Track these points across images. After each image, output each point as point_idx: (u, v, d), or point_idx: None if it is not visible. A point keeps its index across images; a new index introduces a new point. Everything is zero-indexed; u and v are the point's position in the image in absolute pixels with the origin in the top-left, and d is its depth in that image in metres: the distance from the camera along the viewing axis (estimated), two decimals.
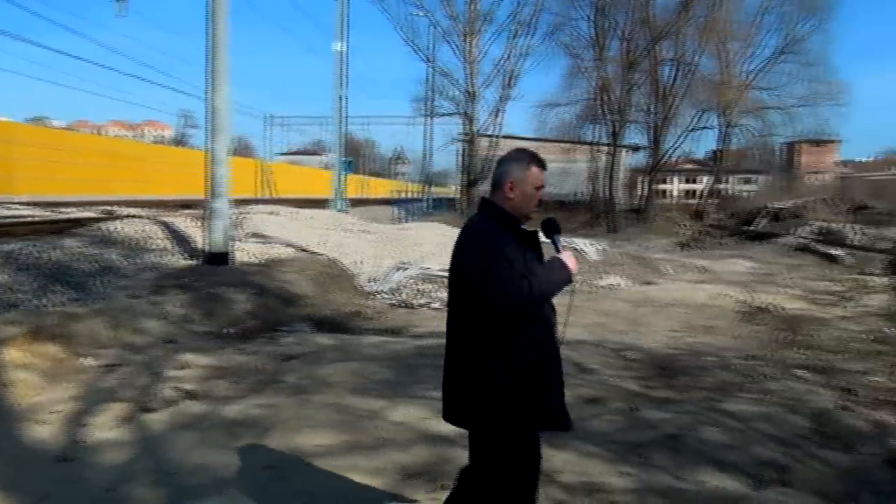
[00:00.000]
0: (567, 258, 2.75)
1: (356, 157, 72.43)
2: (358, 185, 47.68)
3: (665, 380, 6.77)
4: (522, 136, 38.99)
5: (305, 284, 11.20)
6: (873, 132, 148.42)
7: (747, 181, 57.47)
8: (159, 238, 12.57)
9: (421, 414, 5.21)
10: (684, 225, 33.13)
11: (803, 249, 23.18)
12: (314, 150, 78.76)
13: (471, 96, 32.82)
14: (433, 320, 9.84)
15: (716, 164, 42.52)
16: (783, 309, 11.57)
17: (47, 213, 16.82)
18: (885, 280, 16.23)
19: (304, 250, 13.20)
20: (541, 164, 2.79)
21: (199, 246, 12.07)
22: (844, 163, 72.00)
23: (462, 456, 4.41)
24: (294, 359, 7.00)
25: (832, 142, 58.85)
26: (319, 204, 23.85)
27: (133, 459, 4.31)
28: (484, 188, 34.99)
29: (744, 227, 30.32)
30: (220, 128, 11.61)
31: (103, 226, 12.76)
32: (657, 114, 35.16)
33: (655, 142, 35.69)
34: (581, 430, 5.01)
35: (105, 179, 28.27)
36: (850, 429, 5.63)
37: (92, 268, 9.88)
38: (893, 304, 12.50)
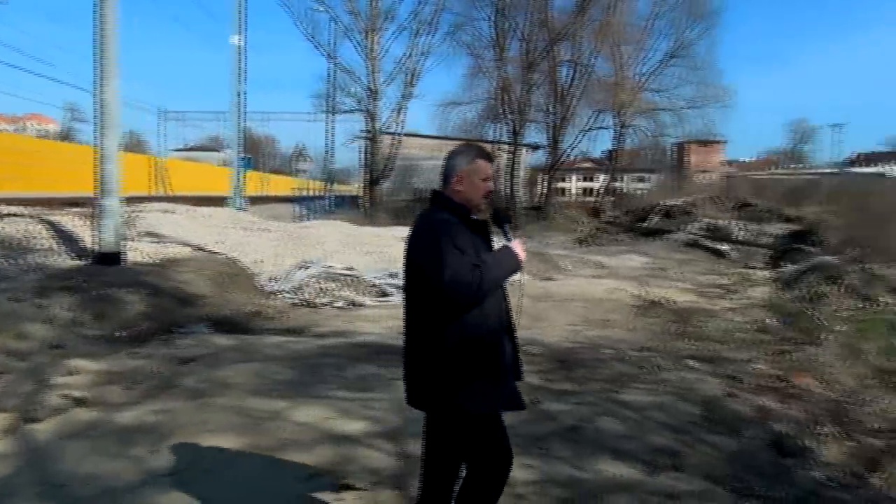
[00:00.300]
0: (516, 246, 2.85)
1: (256, 153, 70.89)
2: (258, 183, 46.57)
3: (565, 373, 6.95)
4: (425, 134, 39.13)
5: (203, 284, 10.87)
6: (756, 133, 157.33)
7: (641, 180, 59.71)
8: (44, 238, 11.91)
9: (324, 414, 5.16)
10: (582, 222, 34.10)
11: (693, 245, 24.28)
12: (212, 146, 76.49)
13: (373, 94, 32.65)
14: (336, 319, 9.76)
15: (611, 163, 43.90)
16: (674, 302, 12.10)
17: None
18: (766, 273, 17.23)
19: (201, 249, 12.80)
20: (487, 156, 2.95)
21: (89, 246, 11.52)
22: (729, 162, 75.74)
23: (365, 455, 4.42)
24: (192, 361, 6.78)
25: (718, 142, 61.87)
26: (217, 202, 23.17)
27: (16, 472, 4.07)
28: (387, 186, 34.98)
29: (638, 224, 31.47)
30: (110, 122, 11.11)
31: None
32: (556, 114, 36.01)
33: (554, 141, 36.53)
34: None
35: None
36: (735, 414, 5.95)
37: None
38: (774, 296, 13.28)
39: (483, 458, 2.85)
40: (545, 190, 38.36)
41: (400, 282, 12.35)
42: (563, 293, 13.04)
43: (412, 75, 32.78)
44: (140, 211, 15.65)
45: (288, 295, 11.24)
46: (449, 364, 2.69)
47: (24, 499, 3.73)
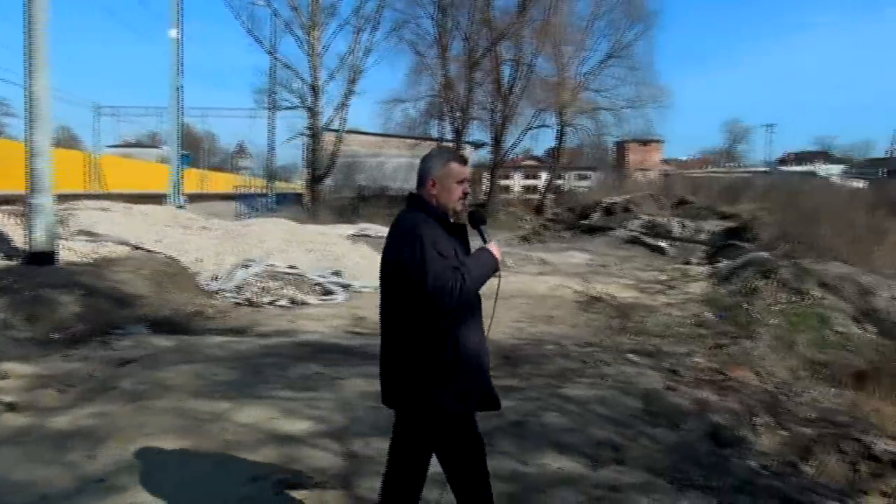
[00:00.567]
0: (493, 247, 2.90)
1: (195, 150, 69.38)
2: (197, 180, 45.63)
3: (510, 369, 7.01)
4: (368, 131, 38.93)
5: (141, 284, 10.59)
6: (693, 133, 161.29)
7: (583, 178, 60.62)
8: None
9: (268, 414, 5.09)
10: (526, 220, 34.46)
11: (633, 241, 24.79)
12: (150, 142, 74.67)
13: (315, 91, 32.27)
14: (279, 318, 9.64)
15: (554, 161, 44.38)
16: (616, 298, 12.32)
17: None
18: (703, 269, 17.68)
19: (138, 248, 12.47)
20: (460, 159, 2.96)
21: (20, 245, 11.11)
22: (668, 161, 77.42)
23: (310, 455, 4.37)
24: (130, 363, 6.60)
25: (657, 141, 63.27)
26: (156, 199, 22.62)
27: None
28: (330, 183, 34.67)
29: (580, 222, 31.99)
30: (41, 117, 10.71)
31: None
32: (498, 112, 36.22)
33: (497, 139, 36.75)
34: None
35: None
36: (675, 407, 6.10)
37: None
38: (711, 291, 13.64)
39: (459, 456, 2.88)
40: (488, 188, 38.59)
41: (344, 280, 12.32)
42: (507, 290, 13.10)
43: (355, 72, 32.55)
44: (74, 209, 15.14)
45: (229, 294, 11.05)
46: (427, 364, 2.73)
47: None
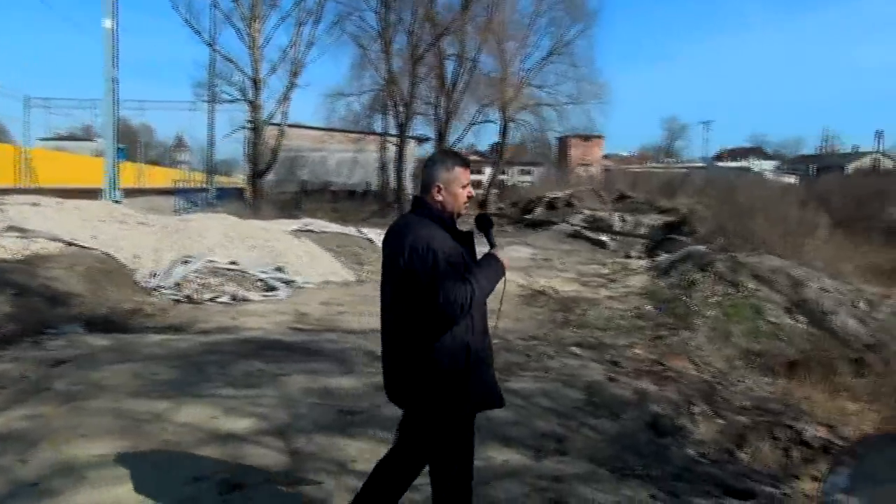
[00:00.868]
0: (500, 253, 2.92)
1: (132, 143, 67.54)
2: (134, 174, 44.34)
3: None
4: (312, 125, 38.54)
5: (76, 282, 10.27)
6: (633, 129, 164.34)
7: (526, 173, 61.21)
8: None
9: (209, 413, 5.00)
10: (469, 214, 34.50)
11: (575, 236, 25.13)
12: (84, 135, 72.33)
13: (256, 84, 31.75)
14: (221, 315, 9.47)
15: (497, 156, 44.65)
16: (559, 291, 12.49)
17: None
18: (643, 262, 18.05)
19: (72, 245, 12.08)
20: (464, 163, 2.96)
21: None
22: (608, 157, 78.64)
23: (253, 453, 4.31)
24: (64, 363, 6.40)
25: (598, 137, 64.20)
26: (90, 194, 21.95)
27: None
28: (272, 178, 34.20)
29: (523, 216, 32.26)
30: None
31: None
32: (442, 107, 36.27)
33: (441, 134, 36.80)
34: (375, 418, 5.09)
35: None
36: (616, 398, 6.22)
37: None
38: (651, 284, 13.93)
39: (453, 455, 2.92)
40: None
41: (286, 276, 12.18)
42: None
43: (297, 65, 32.18)
44: (3, 204, 14.57)
45: (168, 291, 10.81)
46: (438, 368, 2.74)
47: None
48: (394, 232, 2.91)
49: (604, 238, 24.10)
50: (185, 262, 11.76)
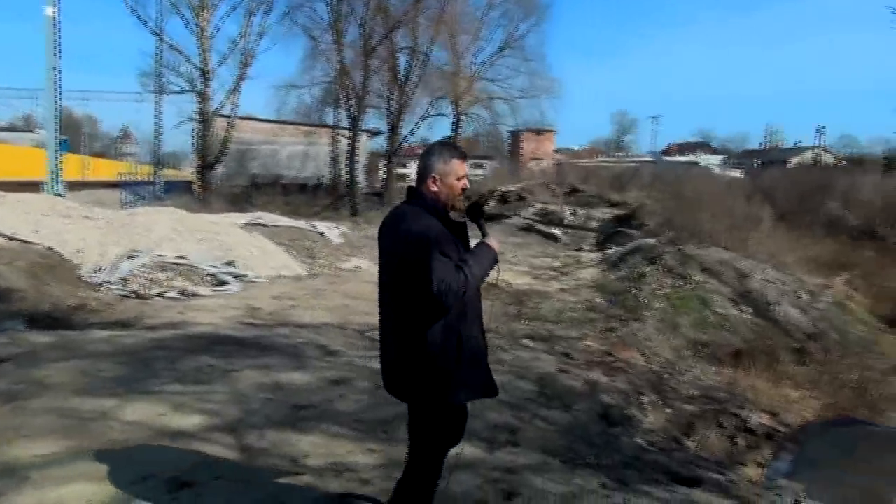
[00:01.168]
0: (491, 241, 2.99)
1: (76, 135, 65.73)
2: (78, 167, 43.11)
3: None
4: (263, 117, 37.98)
5: (16, 278, 9.96)
6: (584, 123, 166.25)
7: (478, 166, 61.28)
8: None
9: (158, 410, 4.90)
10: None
11: (527, 229, 25.33)
12: (24, 126, 70.09)
13: (205, 74, 31.15)
14: (169, 310, 9.30)
15: None
16: (511, 285, 12.56)
17: None
18: (594, 255, 18.29)
19: (13, 239, 11.70)
20: (462, 155, 3.00)
21: None
22: (560, 150, 79.30)
23: (203, 450, 4.25)
24: (4, 361, 6.19)
25: (550, 131, 64.68)
26: (32, 187, 21.30)
27: None
28: (222, 171, 33.64)
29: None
30: None
31: None
32: (395, 100, 36.10)
33: (394, 127, 36.64)
34: (328, 412, 5.06)
35: None
36: (568, 389, 6.30)
37: None
38: (601, 277, 14.12)
39: (438, 444, 3.00)
40: (386, 175, 38.46)
41: (237, 270, 12.01)
42: None
43: (246, 56, 31.66)
44: None
45: (115, 286, 10.56)
46: (434, 359, 2.79)
47: None
48: (388, 222, 2.98)
49: (555, 231, 24.36)
50: (132, 256, 11.50)
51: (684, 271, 13.25)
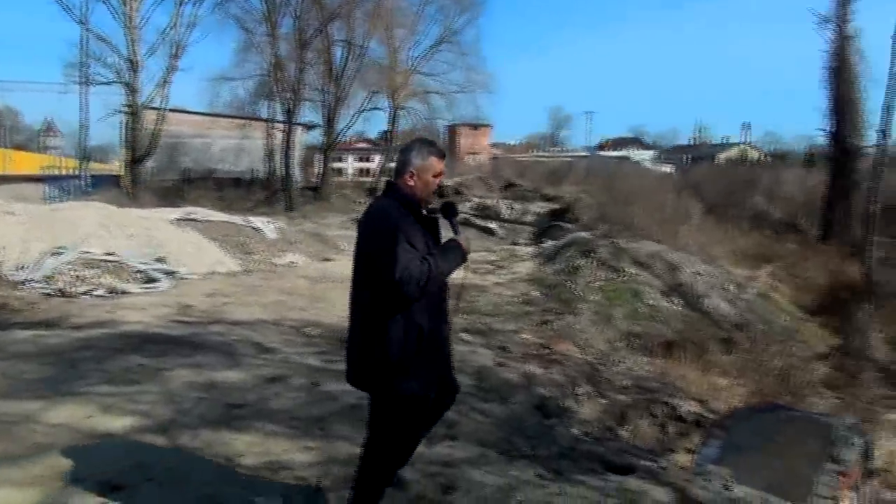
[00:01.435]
0: (462, 239, 3.04)
1: None
2: None
3: (345, 353, 6.99)
4: (194, 110, 37.06)
5: None
6: (520, 118, 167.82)
7: None
8: None
9: (85, 412, 4.76)
10: (359, 202, 34.33)
11: (465, 223, 25.42)
12: None
13: (133, 65, 30.22)
14: (97, 309, 9.01)
15: (387, 144, 44.50)
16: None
17: None
18: (530, 249, 18.50)
19: None
20: (440, 154, 3.09)
21: None
22: (496, 145, 79.93)
23: (135, 451, 4.14)
24: None
25: (486, 126, 65.17)
26: None
27: None
28: (152, 165, 32.72)
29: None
30: None
31: None
32: (331, 94, 35.73)
33: (330, 121, 36.26)
34: (263, 410, 5.00)
35: None
36: (505, 382, 6.37)
37: None
38: (537, 271, 14.31)
39: (392, 437, 3.05)
40: (321, 170, 38.05)
41: (168, 267, 11.73)
42: (341, 273, 13.08)
43: (177, 47, 30.79)
44: None
45: (38, 285, 10.17)
46: (391, 349, 2.85)
47: None
48: (365, 215, 3.04)
49: (492, 226, 24.54)
50: (57, 253, 11.09)
51: (617, 264, 13.53)
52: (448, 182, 32.87)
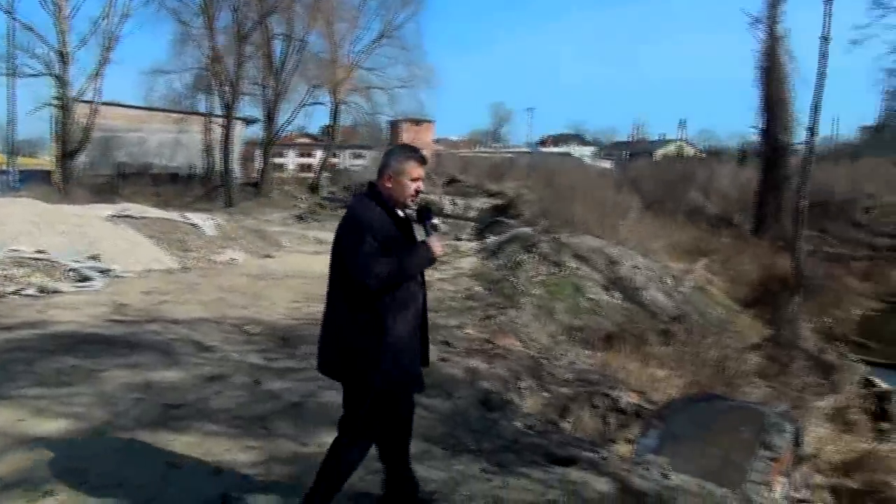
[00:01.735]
0: (433, 242, 3.13)
1: None
2: None
3: (287, 350, 6.93)
4: (129, 104, 36.05)
5: None
6: (463, 114, 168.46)
7: (358, 156, 60.87)
8: None
9: (15, 416, 4.59)
10: (301, 198, 33.95)
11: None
12: None
13: (63, 57, 29.23)
14: (27, 309, 8.69)
15: (329, 139, 44.10)
16: None
17: None
18: (473, 245, 18.59)
19: None
20: (420, 159, 3.22)
21: None
22: (439, 141, 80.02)
23: (67, 456, 4.02)
24: None
25: (429, 122, 65.19)
26: None
27: None
28: (84, 160, 31.73)
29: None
30: None
31: None
32: (271, 88, 35.21)
33: (270, 116, 35.76)
34: (203, 410, 4.91)
35: None
36: (449, 377, 6.38)
37: None
38: (480, 266, 14.38)
39: (360, 430, 3.16)
40: (262, 165, 37.49)
41: (102, 265, 11.40)
42: (283, 270, 12.94)
43: (110, 39, 29.95)
44: None
45: None
46: (362, 342, 2.97)
47: None
48: (345, 213, 3.17)
49: (435, 221, 24.61)
50: None
51: (559, 259, 13.71)
52: None
